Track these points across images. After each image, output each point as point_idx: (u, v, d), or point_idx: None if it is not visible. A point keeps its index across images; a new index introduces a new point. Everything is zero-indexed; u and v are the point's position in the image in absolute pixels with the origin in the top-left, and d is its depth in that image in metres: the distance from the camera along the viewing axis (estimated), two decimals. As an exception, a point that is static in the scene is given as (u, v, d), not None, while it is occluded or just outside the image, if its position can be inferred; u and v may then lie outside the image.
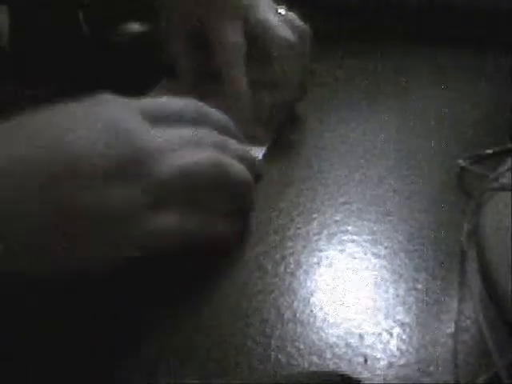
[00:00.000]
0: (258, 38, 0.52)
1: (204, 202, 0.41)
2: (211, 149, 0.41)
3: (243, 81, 0.51)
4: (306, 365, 0.36)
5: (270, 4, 0.55)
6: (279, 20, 0.53)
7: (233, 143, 0.44)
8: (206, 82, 0.54)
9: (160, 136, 0.39)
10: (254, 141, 0.49)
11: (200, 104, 0.44)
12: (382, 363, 0.36)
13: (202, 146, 0.41)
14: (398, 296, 0.39)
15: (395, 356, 0.36)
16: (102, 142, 0.36)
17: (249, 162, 0.46)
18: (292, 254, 0.43)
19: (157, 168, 0.38)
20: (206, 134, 0.43)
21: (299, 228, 0.45)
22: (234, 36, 0.51)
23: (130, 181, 0.37)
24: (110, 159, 0.36)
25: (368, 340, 0.37)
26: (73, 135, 0.36)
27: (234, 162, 0.42)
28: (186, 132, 0.41)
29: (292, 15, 0.55)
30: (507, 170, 0.40)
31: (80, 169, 0.35)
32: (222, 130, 0.44)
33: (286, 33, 0.52)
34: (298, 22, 0.54)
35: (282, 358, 0.36)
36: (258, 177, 0.49)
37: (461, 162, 0.48)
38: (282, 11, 0.55)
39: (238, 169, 0.42)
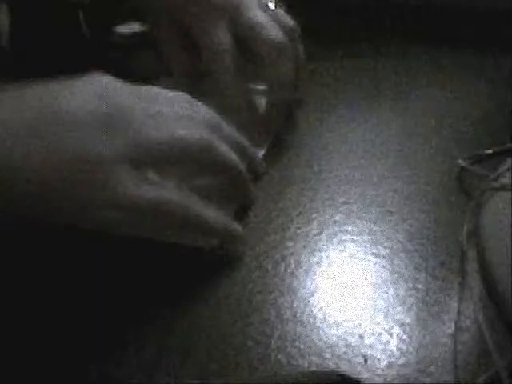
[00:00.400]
0: (247, 39, 0.51)
1: (192, 182, 0.42)
2: (203, 127, 0.41)
3: (230, 81, 0.50)
4: (306, 365, 0.36)
5: (259, 1, 0.54)
6: (269, 18, 0.52)
7: (227, 128, 0.44)
8: (200, 81, 0.53)
9: (151, 108, 0.40)
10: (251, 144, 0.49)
11: (189, 97, 0.44)
12: (382, 363, 0.36)
13: (195, 123, 0.41)
14: (397, 296, 0.39)
15: (395, 356, 0.36)
16: (91, 102, 0.38)
17: (247, 155, 0.46)
18: (292, 254, 0.43)
19: (145, 130, 0.38)
20: (200, 111, 0.43)
21: (299, 228, 0.45)
22: (220, 37, 0.50)
23: (115, 134, 0.37)
24: (97, 115, 0.37)
25: (368, 340, 0.37)
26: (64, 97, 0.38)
27: (224, 147, 0.42)
28: (180, 108, 0.42)
29: (281, 12, 0.54)
30: (507, 170, 0.40)
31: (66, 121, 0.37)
32: (211, 124, 0.44)
33: (275, 33, 0.51)
34: (287, 18, 0.53)
35: (282, 358, 0.36)
36: (258, 176, 0.49)
37: (461, 161, 0.48)
38: (271, 5, 0.54)
39: (228, 154, 0.42)
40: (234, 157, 0.43)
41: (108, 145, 0.37)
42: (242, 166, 0.44)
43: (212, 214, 0.41)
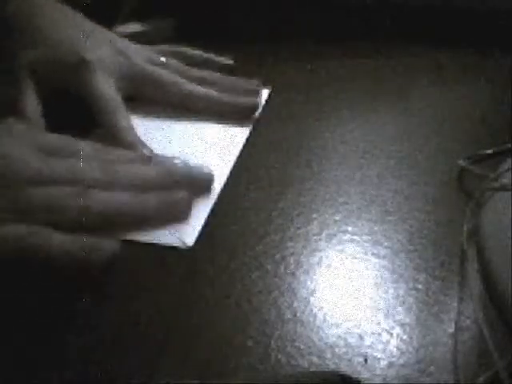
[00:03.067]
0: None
1: None
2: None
3: (128, 127, 0.51)
4: (306, 365, 0.36)
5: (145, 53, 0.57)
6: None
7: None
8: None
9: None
10: None
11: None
12: (382, 363, 0.36)
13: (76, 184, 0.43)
14: (398, 296, 0.39)
15: (395, 356, 0.36)
16: None
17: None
18: (292, 254, 0.43)
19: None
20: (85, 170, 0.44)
21: (299, 228, 0.45)
22: (105, 88, 0.52)
23: None
24: None
25: (368, 340, 0.37)
26: None
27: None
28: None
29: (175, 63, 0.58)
30: (507, 170, 0.39)
31: None
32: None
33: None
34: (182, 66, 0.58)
35: (282, 357, 0.36)
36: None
37: (461, 162, 0.48)
38: (162, 59, 0.57)
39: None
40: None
41: None
42: None
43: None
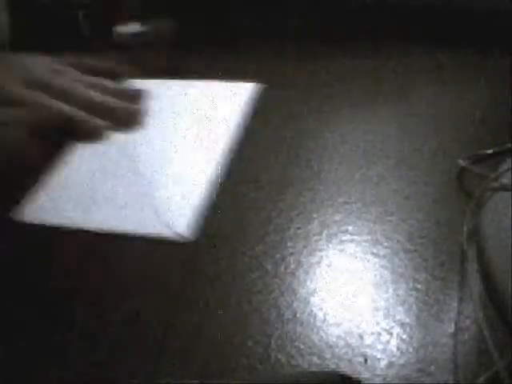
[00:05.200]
0: None
1: None
2: None
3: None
4: (306, 365, 0.36)
5: None
6: None
7: None
8: None
9: None
10: None
11: None
12: (382, 363, 0.36)
13: None
14: (398, 296, 0.39)
15: (395, 356, 0.36)
16: None
17: None
18: (292, 254, 0.43)
19: None
20: None
21: (299, 228, 0.45)
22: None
23: None
24: None
25: (368, 340, 0.37)
26: None
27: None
28: None
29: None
30: (507, 170, 0.39)
31: None
32: None
33: None
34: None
35: (282, 357, 0.36)
36: None
37: (461, 162, 0.48)
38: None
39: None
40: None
41: None
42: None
43: None
